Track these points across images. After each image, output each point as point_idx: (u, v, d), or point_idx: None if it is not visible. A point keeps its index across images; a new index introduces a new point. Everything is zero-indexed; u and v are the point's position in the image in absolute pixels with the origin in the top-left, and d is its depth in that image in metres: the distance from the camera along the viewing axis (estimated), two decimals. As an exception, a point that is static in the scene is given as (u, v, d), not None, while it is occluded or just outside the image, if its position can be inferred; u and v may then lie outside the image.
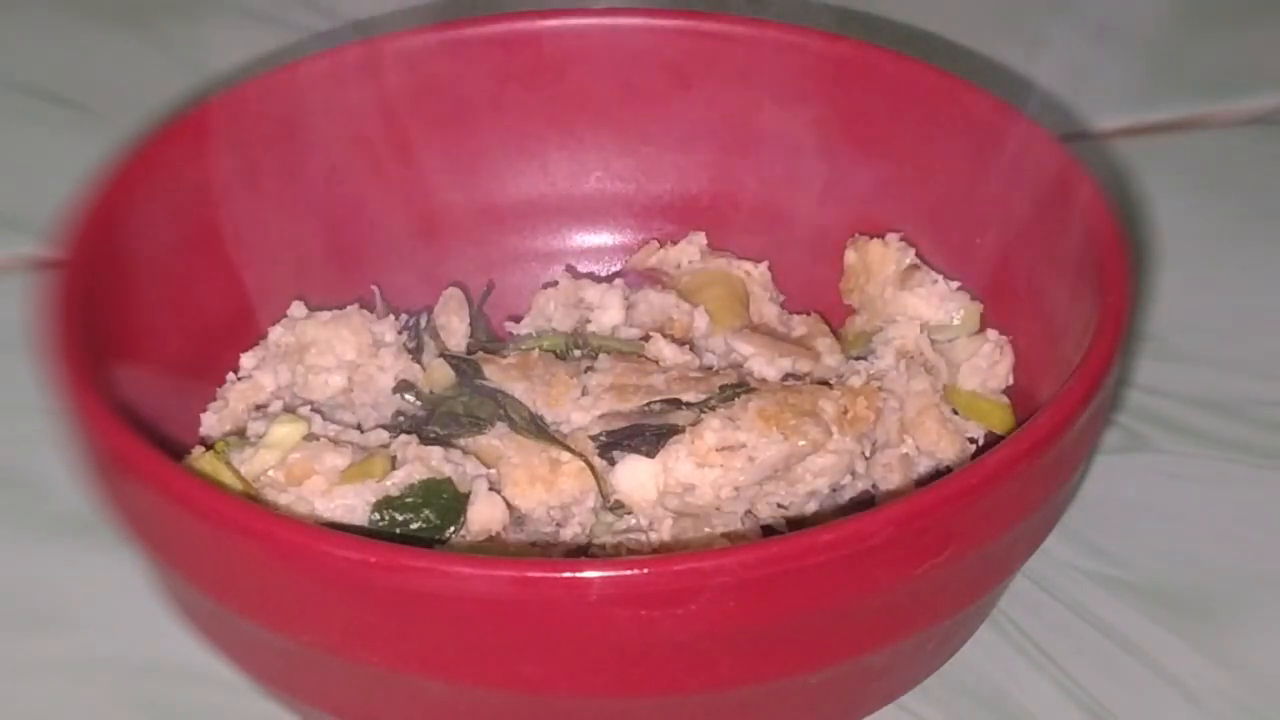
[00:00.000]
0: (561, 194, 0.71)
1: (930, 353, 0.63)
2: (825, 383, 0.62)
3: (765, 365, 0.62)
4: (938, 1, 0.88)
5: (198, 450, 0.60)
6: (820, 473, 0.59)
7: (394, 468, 0.58)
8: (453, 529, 0.58)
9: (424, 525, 0.57)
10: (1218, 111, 0.85)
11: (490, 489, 0.59)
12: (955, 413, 0.63)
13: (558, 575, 0.49)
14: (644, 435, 0.59)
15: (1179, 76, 0.87)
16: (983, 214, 0.65)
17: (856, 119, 0.67)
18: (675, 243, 0.69)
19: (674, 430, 0.59)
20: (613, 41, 0.69)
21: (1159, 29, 0.90)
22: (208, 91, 0.72)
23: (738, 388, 0.60)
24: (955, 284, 0.66)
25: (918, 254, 0.67)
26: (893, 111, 0.67)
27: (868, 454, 0.60)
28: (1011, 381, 0.64)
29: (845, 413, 0.59)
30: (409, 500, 0.58)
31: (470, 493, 0.58)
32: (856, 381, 0.61)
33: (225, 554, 0.52)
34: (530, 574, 0.49)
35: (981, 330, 0.65)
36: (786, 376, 0.62)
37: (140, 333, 0.61)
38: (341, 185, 0.67)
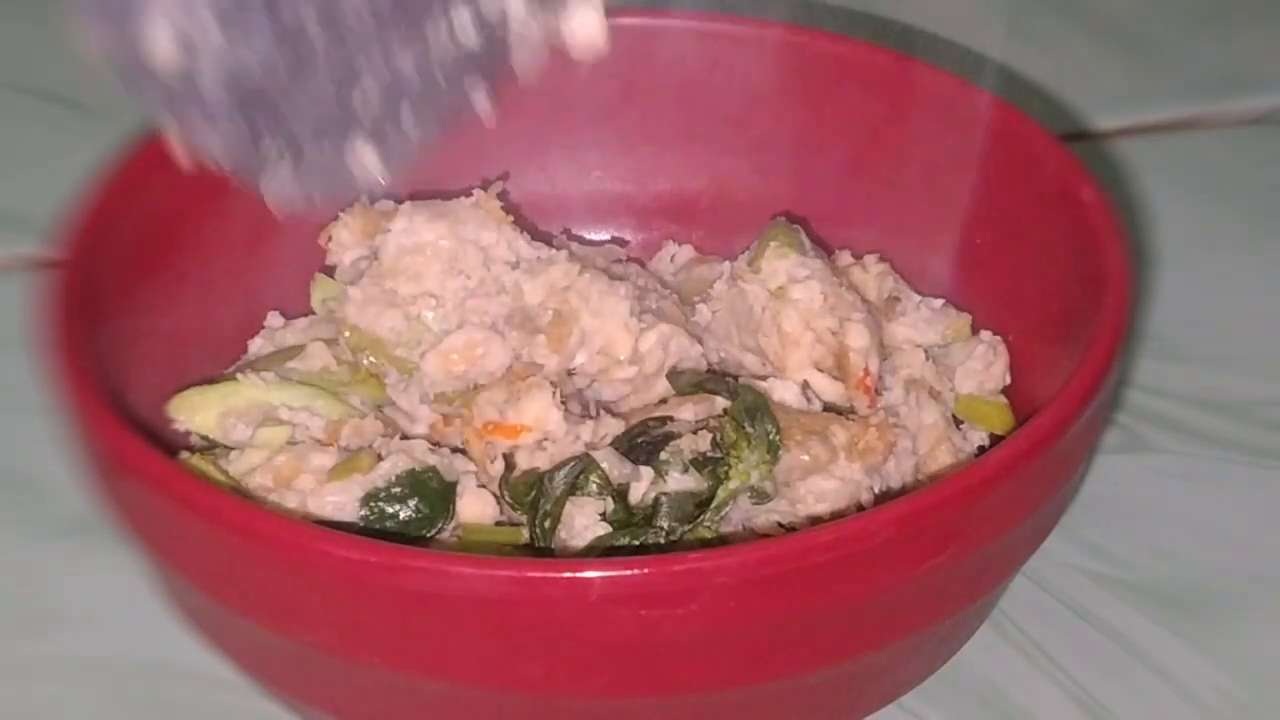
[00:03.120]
0: (561, 194, 0.71)
1: (936, 380, 0.63)
2: (843, 413, 0.61)
3: (784, 390, 0.61)
4: (938, 1, 0.88)
5: (184, 454, 0.60)
6: (823, 496, 0.59)
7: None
8: (443, 522, 0.58)
9: (413, 515, 0.58)
10: (1218, 111, 0.85)
11: (479, 485, 0.59)
12: (959, 423, 0.63)
13: (558, 575, 0.49)
14: (640, 446, 0.59)
15: (1179, 76, 0.87)
16: (983, 214, 0.65)
17: (855, 119, 0.67)
18: (652, 256, 0.70)
19: (671, 436, 0.59)
20: (613, 41, 0.69)
21: (1159, 29, 0.90)
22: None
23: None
24: (938, 302, 0.66)
25: (896, 269, 0.67)
26: (892, 111, 0.67)
27: (877, 489, 0.60)
28: (1009, 381, 0.64)
29: (856, 442, 0.59)
30: (396, 490, 0.58)
31: (457, 482, 0.58)
32: (876, 418, 0.61)
33: (225, 554, 0.52)
34: (530, 574, 0.49)
35: (974, 334, 0.65)
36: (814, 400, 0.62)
37: (140, 332, 0.61)
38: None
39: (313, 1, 0.52)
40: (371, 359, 0.63)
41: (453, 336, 0.62)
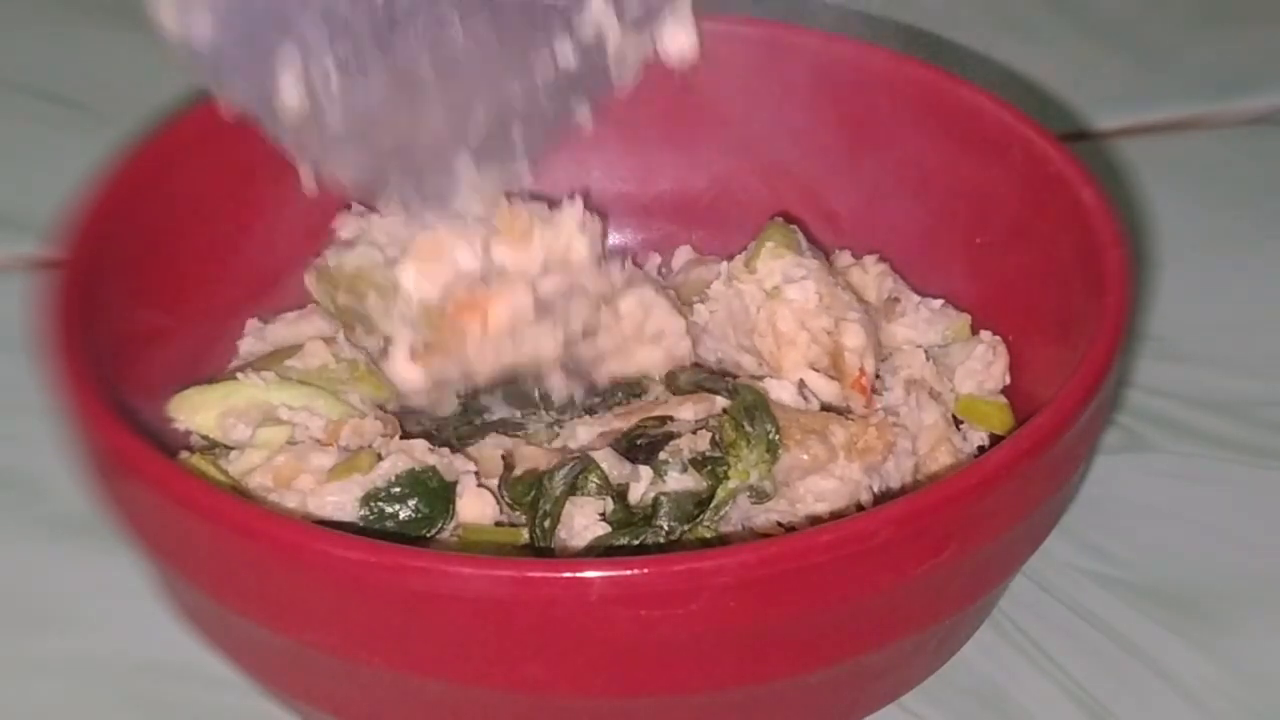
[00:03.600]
0: (561, 194, 0.70)
1: (936, 381, 0.63)
2: (840, 413, 0.61)
3: (780, 389, 0.61)
4: (938, 1, 0.88)
5: (184, 454, 0.60)
6: (822, 496, 0.59)
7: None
8: (443, 522, 0.58)
9: (413, 515, 0.58)
10: (1218, 111, 0.85)
11: (479, 485, 0.59)
12: (959, 423, 0.63)
13: (558, 575, 0.49)
14: (639, 446, 0.59)
15: (1179, 76, 0.87)
16: (983, 214, 0.65)
17: (856, 119, 0.67)
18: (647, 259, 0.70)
19: (670, 436, 0.59)
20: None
21: (1159, 29, 0.90)
22: (207, 92, 0.71)
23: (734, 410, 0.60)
24: (938, 302, 0.66)
25: (896, 269, 0.67)
26: (892, 112, 0.67)
27: (876, 489, 0.60)
28: (1008, 381, 0.64)
29: (855, 442, 0.59)
30: (395, 490, 0.58)
31: (457, 482, 0.58)
32: (875, 418, 0.61)
33: (225, 554, 0.52)
34: (530, 574, 0.49)
35: (974, 334, 0.65)
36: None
37: (140, 332, 0.61)
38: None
39: (425, 41, 0.56)
40: (350, 292, 0.63)
41: (421, 237, 0.62)
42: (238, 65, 0.56)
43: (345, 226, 0.67)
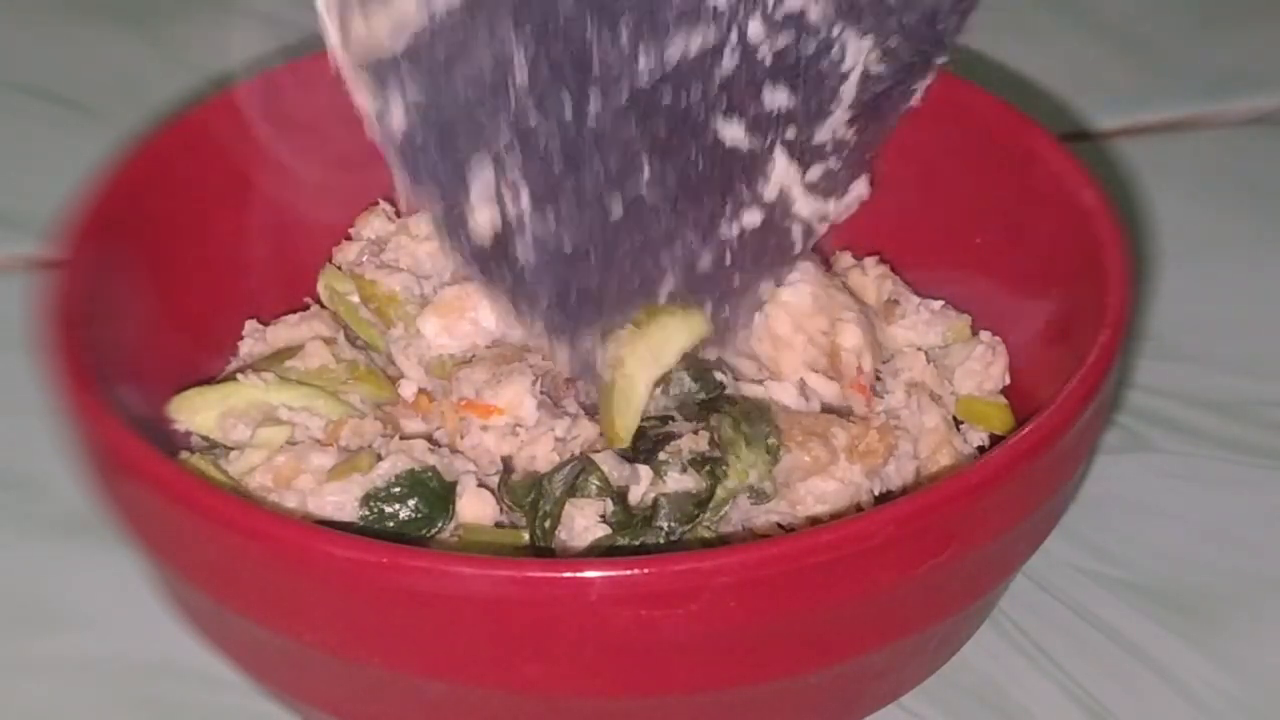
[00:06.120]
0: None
1: (937, 384, 0.63)
2: (843, 414, 0.61)
3: (781, 392, 0.61)
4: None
5: (184, 454, 0.60)
6: (822, 498, 0.59)
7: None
8: (442, 523, 0.58)
9: (413, 515, 0.58)
10: (1218, 111, 0.85)
11: (479, 485, 0.59)
12: (959, 424, 0.63)
13: (558, 575, 0.49)
14: (639, 447, 0.59)
15: (1179, 76, 0.87)
16: (983, 214, 0.65)
17: (856, 119, 0.67)
18: None
19: (670, 436, 0.59)
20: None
21: (1159, 29, 0.90)
22: (208, 91, 0.72)
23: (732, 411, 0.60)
24: (938, 303, 0.66)
25: (895, 269, 0.67)
26: (892, 111, 0.67)
27: (877, 492, 0.60)
28: (1008, 381, 0.64)
29: (857, 444, 0.59)
30: (395, 490, 0.58)
31: (457, 482, 0.58)
32: (877, 420, 0.61)
33: (225, 554, 0.52)
34: (530, 574, 0.49)
35: (974, 335, 0.65)
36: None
37: (140, 332, 0.61)
38: (342, 184, 0.67)
39: (617, 189, 0.55)
40: (377, 311, 0.64)
41: (448, 289, 0.63)
42: (432, 167, 0.55)
43: (369, 226, 0.67)
